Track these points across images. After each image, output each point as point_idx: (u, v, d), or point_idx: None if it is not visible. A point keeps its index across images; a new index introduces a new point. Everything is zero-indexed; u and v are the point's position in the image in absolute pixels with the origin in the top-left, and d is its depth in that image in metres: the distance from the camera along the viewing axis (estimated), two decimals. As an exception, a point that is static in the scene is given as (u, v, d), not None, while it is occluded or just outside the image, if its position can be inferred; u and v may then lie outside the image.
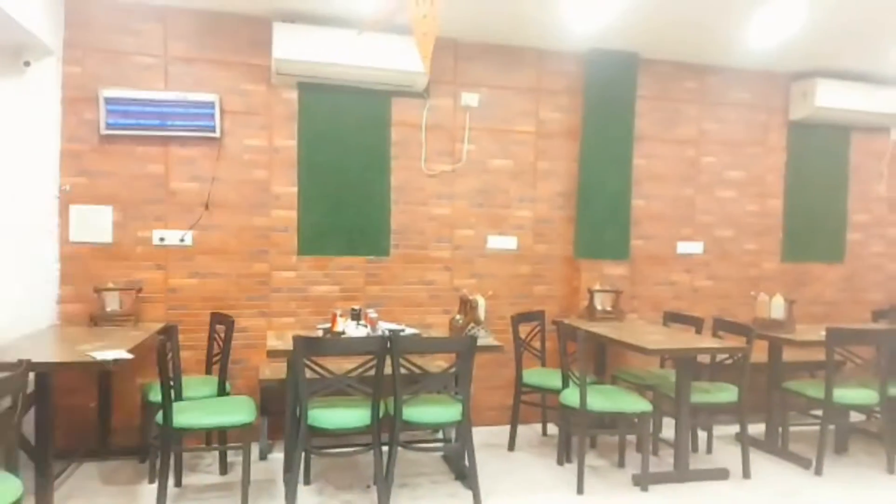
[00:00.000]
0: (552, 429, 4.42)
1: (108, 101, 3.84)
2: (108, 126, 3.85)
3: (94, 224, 3.89)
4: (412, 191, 4.42)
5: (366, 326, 3.55)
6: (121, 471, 3.59)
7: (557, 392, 3.78)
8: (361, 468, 3.70)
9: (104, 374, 3.73)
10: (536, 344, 4.28)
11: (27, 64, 3.66)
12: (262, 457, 3.81)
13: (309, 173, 4.20)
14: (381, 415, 3.14)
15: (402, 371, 3.15)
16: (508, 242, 4.63)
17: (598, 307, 4.40)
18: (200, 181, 4.04)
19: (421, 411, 3.19)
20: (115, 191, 3.92)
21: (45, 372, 2.86)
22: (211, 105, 3.98)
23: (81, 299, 3.84)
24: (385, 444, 3.17)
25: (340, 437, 3.12)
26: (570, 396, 3.57)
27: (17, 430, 2.35)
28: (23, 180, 3.71)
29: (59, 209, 3.84)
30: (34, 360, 2.65)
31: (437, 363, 3.80)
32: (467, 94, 4.48)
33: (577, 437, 3.57)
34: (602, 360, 4.49)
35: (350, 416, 3.10)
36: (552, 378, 3.97)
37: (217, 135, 4.01)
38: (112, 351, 2.94)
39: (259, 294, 4.13)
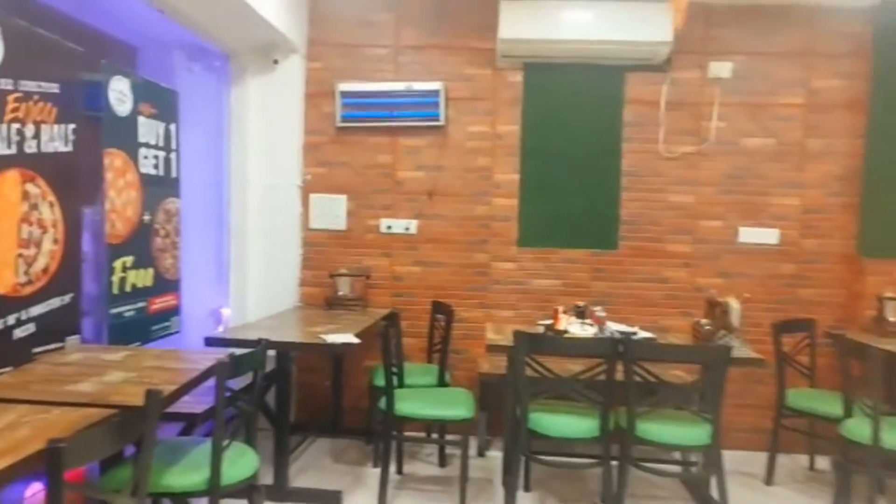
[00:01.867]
0: (821, 462, 3.63)
1: (343, 94, 3.98)
2: (343, 118, 4.00)
3: (331, 212, 4.07)
4: (646, 176, 3.94)
5: (592, 326, 3.20)
6: (349, 450, 3.70)
7: (832, 420, 3.05)
8: (586, 481, 3.35)
9: (338, 356, 3.89)
10: (803, 359, 3.53)
11: (276, 62, 3.94)
12: (481, 453, 3.67)
13: (532, 160, 3.96)
14: (611, 427, 2.77)
15: (636, 380, 2.74)
16: (767, 236, 3.90)
17: (892, 318, 3.49)
18: (425, 170, 4.02)
19: (659, 428, 2.75)
20: (349, 181, 4.06)
21: (283, 350, 2.99)
22: (436, 94, 3.93)
23: (319, 283, 4.06)
24: (614, 458, 2.80)
25: (562, 444, 2.82)
26: (857, 429, 2.83)
27: (256, 404, 2.45)
28: (273, 170, 4.01)
29: (302, 198, 4.08)
30: (274, 339, 2.78)
31: (674, 373, 3.29)
32: (717, 63, 3.86)
33: (862, 477, 2.83)
34: None
35: (576, 424, 2.78)
36: (825, 402, 3.22)
37: (441, 123, 3.95)
38: (342, 335, 2.99)
39: (478, 285, 3.99)
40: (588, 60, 3.83)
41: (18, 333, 2.28)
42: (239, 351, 2.37)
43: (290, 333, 3.17)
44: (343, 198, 4.07)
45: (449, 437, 3.23)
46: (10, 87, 2.22)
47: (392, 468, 3.12)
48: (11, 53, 2.20)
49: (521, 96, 3.94)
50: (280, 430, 3.03)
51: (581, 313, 3.27)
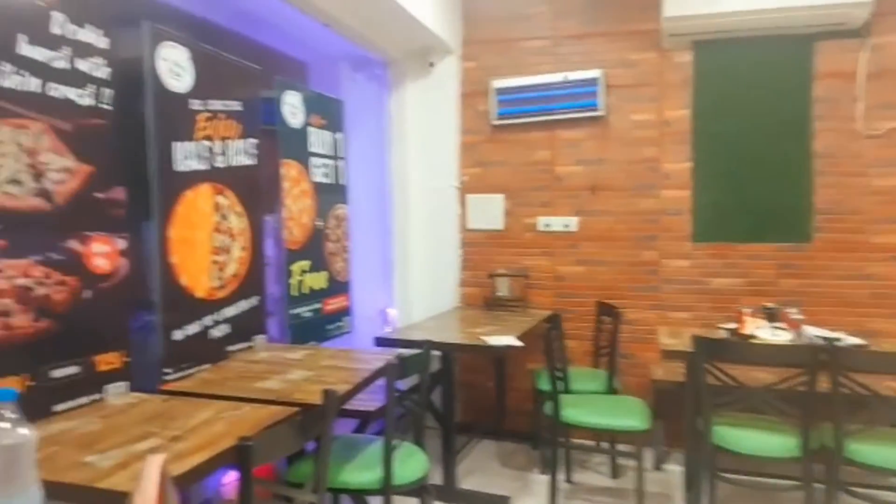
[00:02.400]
0: None
1: (499, 91, 3.93)
2: (499, 116, 3.95)
3: (488, 212, 4.04)
4: (844, 158, 3.44)
5: (785, 330, 2.83)
6: (515, 455, 3.63)
7: None
8: None
9: (501, 358, 3.84)
10: None
11: (432, 65, 3.99)
12: (657, 466, 3.42)
13: (705, 146, 3.62)
14: (813, 446, 2.43)
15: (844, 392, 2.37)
16: None
17: None
18: (586, 164, 3.85)
19: (874, 449, 2.36)
20: (506, 179, 4.00)
21: (447, 351, 3.00)
22: (594, 82, 3.74)
23: (478, 283, 4.04)
24: (818, 482, 2.45)
25: (751, 461, 2.52)
26: None
27: (423, 404, 2.46)
28: (432, 173, 4.07)
29: (459, 199, 4.09)
30: (438, 340, 2.79)
31: (889, 385, 2.82)
32: (934, 19, 3.27)
33: None
34: None
35: (771, 441, 2.47)
36: None
37: (602, 113, 3.75)
38: (504, 337, 2.93)
39: (648, 284, 3.73)
40: (768, 32, 3.43)
41: (215, 333, 2.48)
42: (406, 352, 2.40)
43: (453, 334, 3.17)
44: (500, 197, 4.02)
45: (621, 447, 3.04)
46: (200, 108, 2.43)
47: (560, 476, 3.00)
48: (200, 77, 2.40)
49: (692, 78, 3.62)
50: (447, 431, 3.04)
51: (771, 316, 2.92)
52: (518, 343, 2.86)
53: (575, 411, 2.83)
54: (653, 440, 3.40)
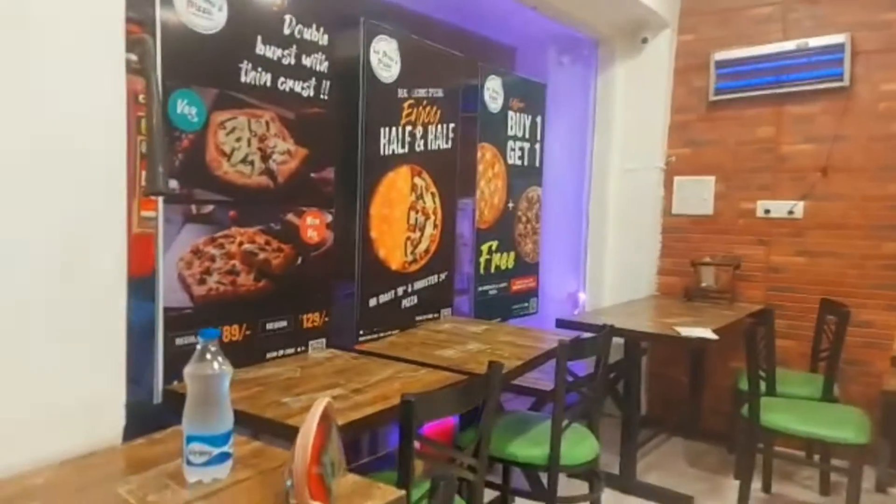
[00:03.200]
0: None
1: (719, 64, 3.61)
2: (717, 91, 3.64)
3: (696, 195, 3.77)
4: None
5: None
6: (707, 455, 3.39)
7: None
8: None
9: (697, 352, 3.59)
10: None
11: (644, 41, 3.81)
12: (880, 488, 2.94)
13: (982, 118, 2.95)
14: None
15: None
16: None
17: None
18: (818, 142, 3.38)
19: None
20: (719, 160, 3.69)
21: (631, 338, 2.90)
22: (839, 49, 3.25)
23: (678, 272, 3.81)
24: None
25: None
26: None
27: (598, 389, 2.43)
28: (634, 154, 3.91)
29: (664, 181, 3.87)
30: (624, 326, 2.71)
31: None
32: None
33: None
34: None
35: None
36: None
37: (845, 83, 3.25)
38: (699, 328, 2.75)
39: (889, 282, 3.18)
40: None
41: (405, 303, 2.71)
42: (585, 335, 2.38)
43: (642, 322, 3.05)
44: (711, 179, 3.71)
45: (835, 461, 2.67)
46: (405, 96, 2.64)
47: (757, 485, 2.74)
48: (406, 66, 2.61)
49: (964, 36, 2.97)
50: (628, 420, 2.95)
51: None
52: (712, 336, 2.66)
53: (777, 416, 2.55)
54: (877, 458, 2.92)
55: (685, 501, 2.76)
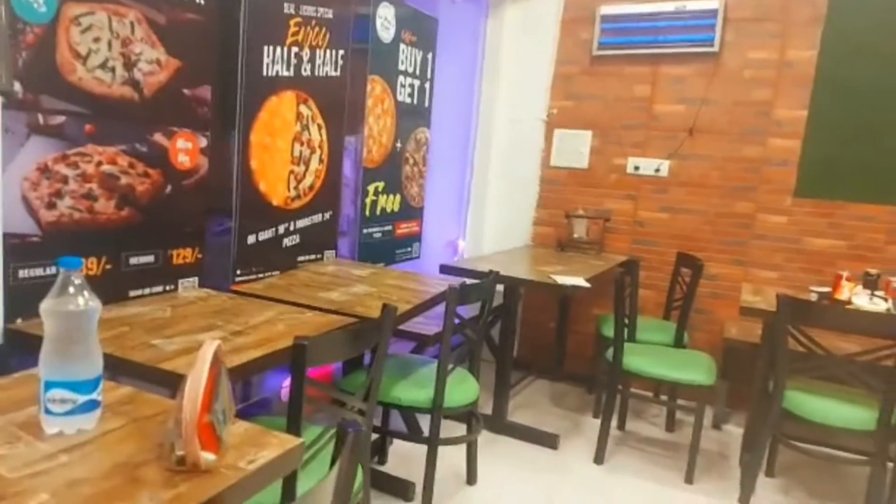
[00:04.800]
0: None
1: (604, 18, 3.68)
2: (601, 45, 3.71)
3: (573, 149, 3.87)
4: None
5: (885, 300, 2.60)
6: (568, 396, 3.61)
7: None
8: (845, 479, 2.84)
9: (564, 299, 3.77)
10: None
11: (532, -12, 3.78)
12: (716, 425, 3.31)
13: (829, 93, 3.26)
14: (893, 422, 2.26)
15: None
16: None
17: None
18: (688, 103, 3.58)
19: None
20: (597, 115, 3.80)
21: (511, 285, 2.96)
22: (712, 14, 3.42)
23: (553, 223, 3.93)
24: (892, 460, 2.30)
25: (820, 431, 2.38)
26: None
27: (481, 334, 2.46)
28: (519, 104, 3.93)
29: (545, 133, 3.94)
30: (504, 273, 2.75)
31: None
32: None
33: None
34: None
35: (846, 412, 2.31)
36: None
37: (715, 49, 3.44)
38: (572, 277, 2.85)
39: (736, 238, 3.51)
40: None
41: (287, 242, 2.55)
42: (470, 281, 2.38)
43: (520, 270, 3.12)
44: (588, 134, 3.83)
45: (681, 401, 2.95)
46: (291, 12, 2.40)
47: (613, 423, 2.96)
48: (293, -19, 2.36)
49: (825, 14, 3.24)
50: (502, 364, 3.04)
51: (872, 283, 2.67)
52: (586, 284, 2.78)
53: (638, 359, 2.75)
54: (715, 398, 3.28)
55: (551, 439, 2.92)
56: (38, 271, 1.63)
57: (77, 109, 1.68)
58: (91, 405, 1.00)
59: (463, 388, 2.27)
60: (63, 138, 1.67)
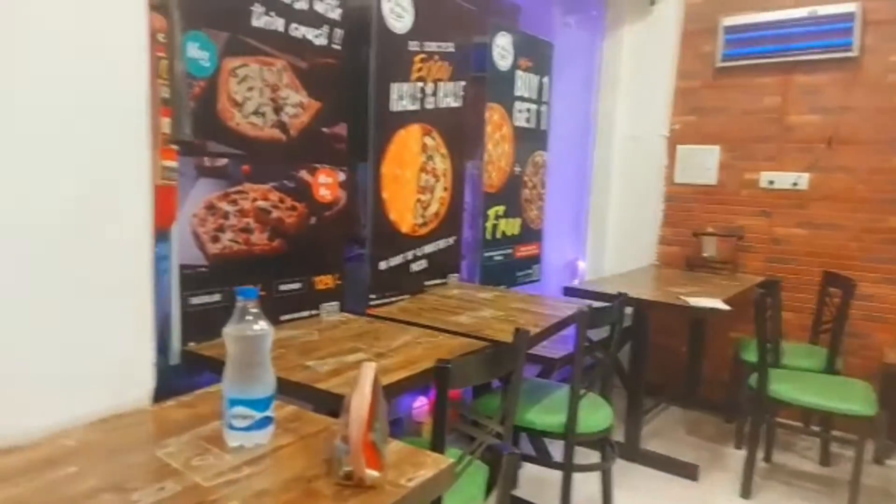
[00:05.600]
0: None
1: (727, 29, 3.54)
2: (725, 57, 3.57)
3: (699, 165, 3.72)
4: None
5: None
6: (705, 424, 3.42)
7: None
8: None
9: (697, 321, 3.60)
10: None
11: (652, 2, 3.71)
12: (878, 459, 3.00)
13: None
14: None
15: None
16: None
17: None
18: (824, 113, 3.35)
19: None
20: (724, 129, 3.64)
21: (641, 308, 2.87)
22: (849, 17, 3.20)
23: (679, 242, 3.79)
24: None
25: None
26: None
27: (612, 358, 2.40)
28: (639, 121, 3.85)
29: (668, 150, 3.82)
30: (633, 295, 2.68)
31: None
32: None
33: None
34: None
35: None
36: None
37: (854, 54, 3.21)
38: (707, 299, 2.73)
39: (891, 255, 3.20)
40: None
41: (415, 267, 2.64)
42: (597, 304, 2.34)
43: (648, 291, 3.02)
44: (716, 148, 3.67)
45: (837, 433, 2.70)
46: (416, 49, 2.52)
47: (759, 454, 2.76)
48: (419, 18, 2.48)
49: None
50: (634, 390, 2.94)
51: None
52: (725, 307, 2.64)
53: (786, 386, 2.56)
54: (876, 430, 2.97)
55: (691, 470, 2.77)
56: (206, 298, 1.80)
57: (236, 152, 1.86)
58: (266, 422, 1.09)
59: (596, 413, 2.22)
60: (225, 178, 1.84)
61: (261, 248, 1.96)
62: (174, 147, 1.50)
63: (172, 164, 1.53)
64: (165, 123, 1.33)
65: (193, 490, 0.93)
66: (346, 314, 2.23)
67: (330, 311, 2.20)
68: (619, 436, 2.93)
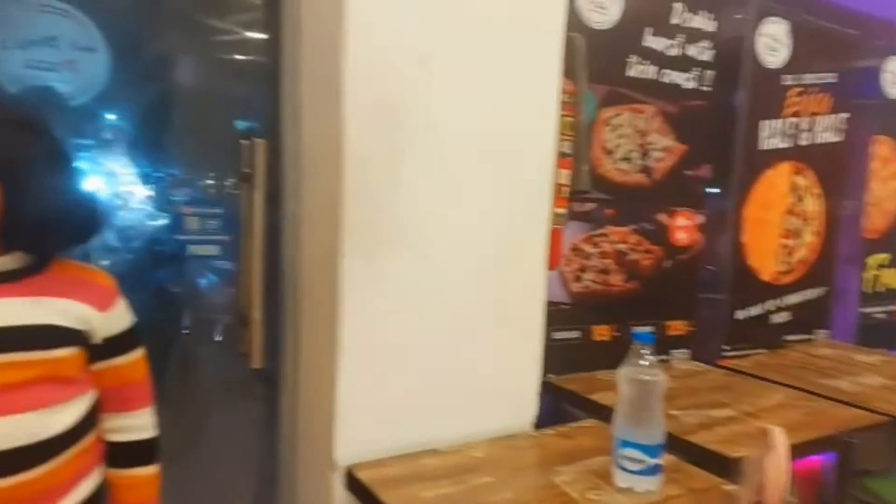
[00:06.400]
0: None
1: None
2: None
3: None
4: None
5: None
6: None
7: None
8: None
9: None
10: None
11: None
12: None
13: None
14: None
15: None
16: None
17: None
18: None
19: None
20: None
21: None
22: None
23: None
24: None
25: None
26: None
27: None
28: None
29: None
30: None
31: None
32: None
33: None
34: None
35: None
36: None
37: None
38: None
39: None
40: None
41: (775, 319, 2.40)
42: None
43: None
44: None
45: None
46: (791, 83, 2.32)
47: None
48: (795, 50, 2.29)
49: None
50: None
51: None
52: None
53: None
54: None
55: None
56: (566, 334, 1.91)
57: (602, 196, 1.94)
58: (656, 469, 1.10)
59: None
60: (590, 221, 1.94)
61: (617, 289, 2.00)
62: (569, 196, 1.64)
63: (562, 210, 1.67)
64: (560, 174, 1.46)
65: (594, 523, 0.99)
66: (697, 363, 2.14)
67: (679, 359, 2.13)
68: None
